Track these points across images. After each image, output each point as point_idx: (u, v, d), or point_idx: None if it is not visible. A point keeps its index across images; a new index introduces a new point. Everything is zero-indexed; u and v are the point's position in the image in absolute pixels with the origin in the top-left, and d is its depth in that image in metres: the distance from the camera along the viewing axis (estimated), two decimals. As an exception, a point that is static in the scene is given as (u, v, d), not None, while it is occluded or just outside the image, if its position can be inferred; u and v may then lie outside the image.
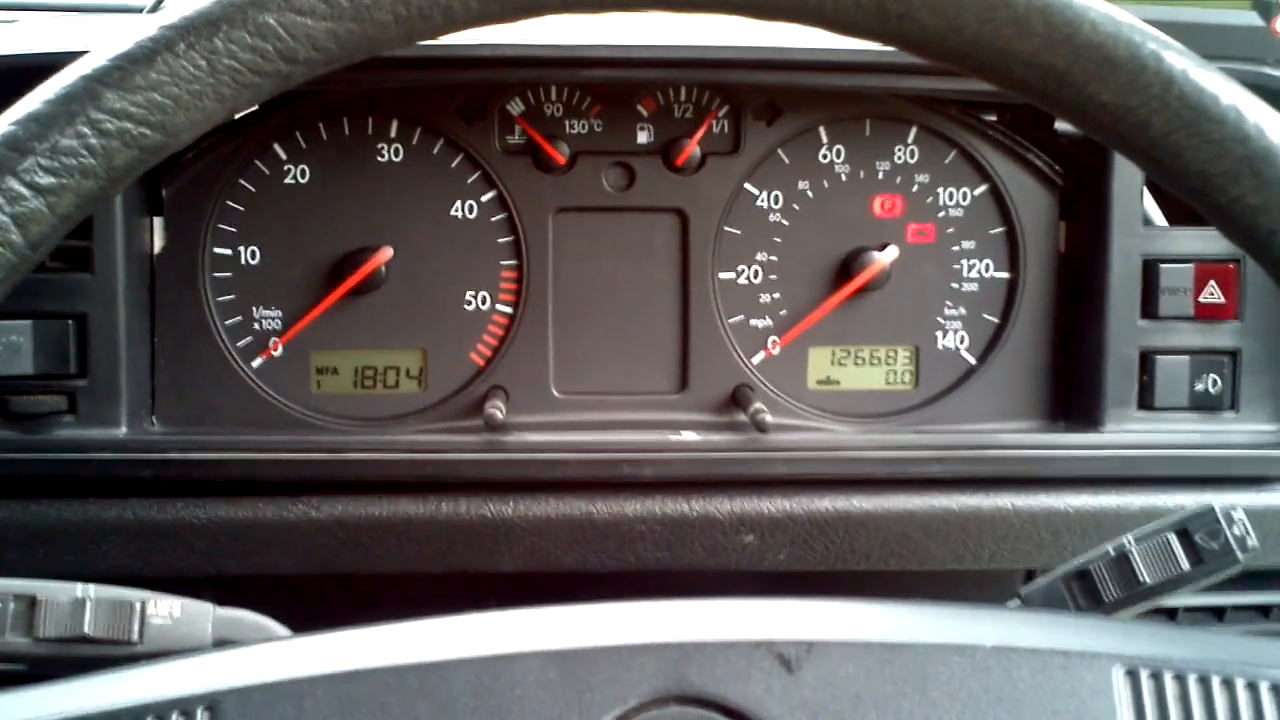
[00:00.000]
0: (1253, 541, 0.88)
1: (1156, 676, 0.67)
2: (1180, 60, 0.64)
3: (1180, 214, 1.30)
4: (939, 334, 1.33)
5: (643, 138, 1.29)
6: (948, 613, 0.72)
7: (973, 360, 1.33)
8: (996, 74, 0.66)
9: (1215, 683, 0.67)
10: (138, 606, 0.83)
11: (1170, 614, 1.28)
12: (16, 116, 0.62)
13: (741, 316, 1.31)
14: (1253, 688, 0.67)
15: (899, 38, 0.66)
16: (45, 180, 0.62)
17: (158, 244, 1.26)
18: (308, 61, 0.64)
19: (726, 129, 1.29)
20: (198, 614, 0.84)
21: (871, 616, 0.72)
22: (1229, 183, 0.64)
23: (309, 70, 0.65)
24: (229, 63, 0.63)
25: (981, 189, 1.31)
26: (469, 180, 1.29)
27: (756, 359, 1.32)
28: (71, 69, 0.63)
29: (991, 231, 1.31)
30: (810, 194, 1.30)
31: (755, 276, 1.31)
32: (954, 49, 0.65)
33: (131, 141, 0.63)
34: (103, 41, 0.64)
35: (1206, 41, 0.69)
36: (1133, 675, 0.66)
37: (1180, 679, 0.67)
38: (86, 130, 0.62)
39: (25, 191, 0.62)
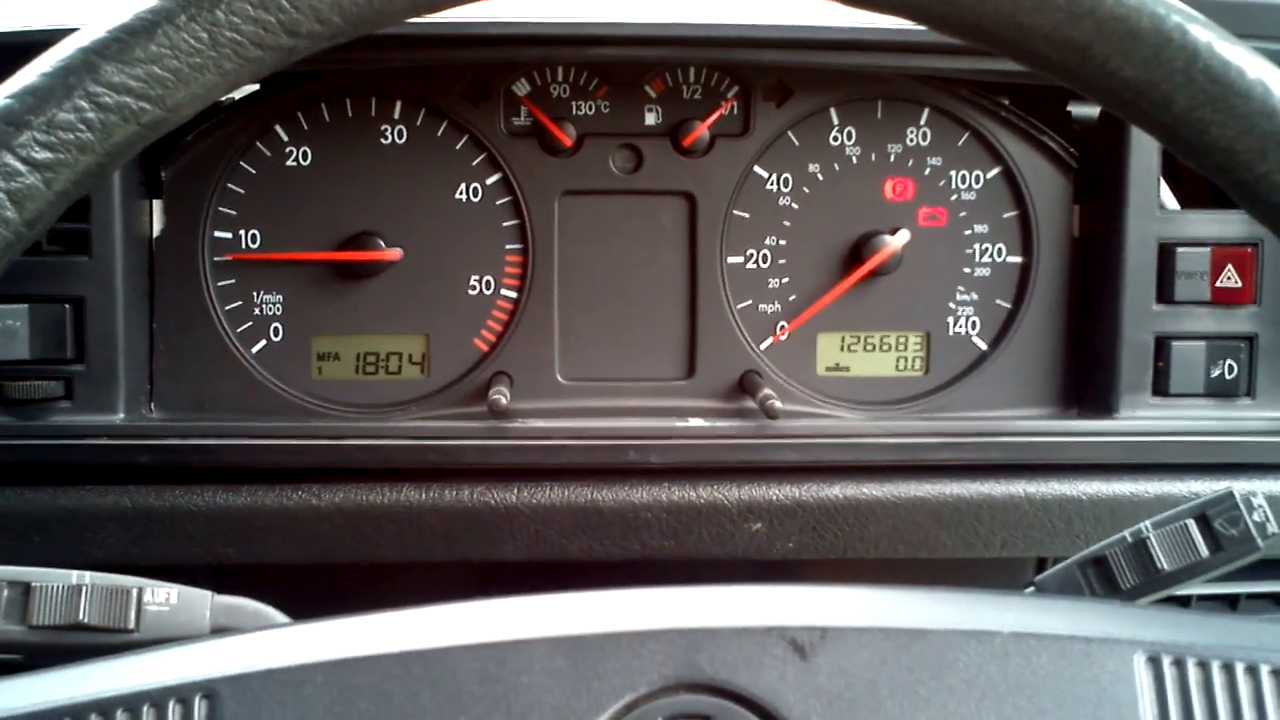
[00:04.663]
0: (1273, 528, 0.86)
1: (1179, 663, 0.65)
2: (1205, 34, 0.62)
3: (1192, 199, 1.28)
4: (950, 320, 1.31)
5: (650, 119, 1.27)
6: (965, 598, 0.71)
7: (984, 346, 1.31)
8: (1016, 49, 0.65)
9: (1239, 669, 0.65)
10: (134, 594, 0.81)
11: (1184, 603, 1.26)
12: (12, 90, 0.61)
13: (750, 301, 1.30)
14: (1277, 674, 0.65)
15: (918, 11, 0.65)
16: (42, 155, 0.61)
17: (157, 227, 1.24)
18: (311, 35, 0.63)
19: (736, 110, 1.28)
20: (195, 601, 0.83)
21: (887, 602, 0.71)
22: (1255, 159, 0.63)
23: (313, 44, 0.63)
24: (231, 35, 0.61)
25: (994, 172, 1.29)
26: (474, 163, 1.27)
27: (765, 345, 1.30)
28: (69, 41, 0.62)
29: (1004, 215, 1.30)
30: (820, 177, 1.29)
31: (764, 261, 1.29)
32: (973, 24, 0.64)
33: (130, 116, 0.61)
34: (100, 14, 0.62)
35: (1230, 19, 0.67)
36: (1155, 662, 0.65)
37: (1203, 665, 0.66)
38: (84, 104, 0.61)
39: (21, 167, 0.61)
